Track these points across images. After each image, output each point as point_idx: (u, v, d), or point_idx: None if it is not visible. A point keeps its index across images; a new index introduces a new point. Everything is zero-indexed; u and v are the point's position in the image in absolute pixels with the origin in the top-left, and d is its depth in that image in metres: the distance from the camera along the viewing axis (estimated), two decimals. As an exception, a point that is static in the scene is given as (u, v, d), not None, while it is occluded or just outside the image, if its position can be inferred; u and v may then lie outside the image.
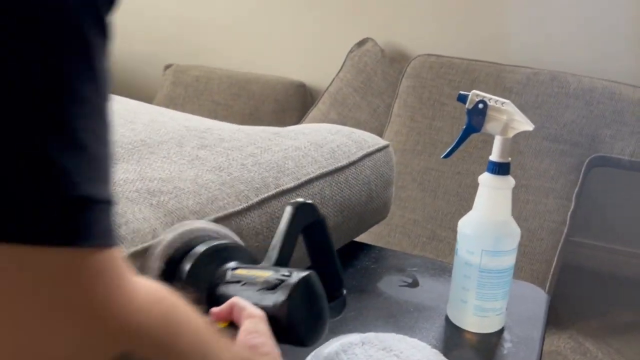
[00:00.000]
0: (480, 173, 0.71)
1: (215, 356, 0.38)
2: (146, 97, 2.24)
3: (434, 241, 1.61)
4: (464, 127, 0.70)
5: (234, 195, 0.69)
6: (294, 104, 1.99)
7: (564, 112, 1.48)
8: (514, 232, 0.71)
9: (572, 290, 1.63)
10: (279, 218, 0.72)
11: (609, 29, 1.60)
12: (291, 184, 0.76)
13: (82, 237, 0.28)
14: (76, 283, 0.29)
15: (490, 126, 0.68)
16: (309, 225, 0.60)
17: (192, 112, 2.07)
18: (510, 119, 0.67)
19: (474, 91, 0.69)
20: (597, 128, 1.47)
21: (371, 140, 0.95)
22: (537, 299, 0.84)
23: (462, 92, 0.69)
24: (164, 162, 0.74)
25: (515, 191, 0.70)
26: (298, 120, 1.94)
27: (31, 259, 0.27)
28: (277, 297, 0.48)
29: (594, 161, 1.48)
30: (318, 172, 0.81)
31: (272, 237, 0.71)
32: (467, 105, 0.69)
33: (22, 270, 0.27)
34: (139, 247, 0.57)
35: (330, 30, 1.97)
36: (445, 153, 0.71)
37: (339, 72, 1.88)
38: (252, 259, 0.59)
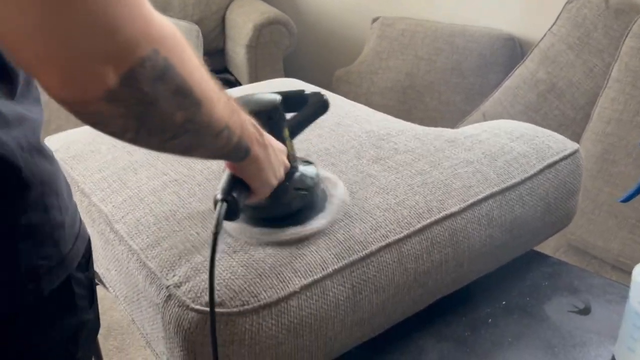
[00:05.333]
0: None
1: (213, 89, 0.47)
2: (354, 49, 2.32)
3: (644, 224, 1.46)
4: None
5: (396, 222, 0.74)
6: (500, 58, 1.89)
7: None
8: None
9: None
10: (440, 242, 0.76)
11: None
12: (456, 208, 0.77)
13: None
14: None
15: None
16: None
17: (396, 67, 2.09)
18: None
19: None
20: None
21: (556, 147, 0.90)
22: None
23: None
24: (340, 179, 0.81)
25: None
26: (503, 76, 1.85)
27: None
28: None
29: None
30: (487, 192, 0.80)
31: (432, 261, 0.75)
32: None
33: None
34: (309, 280, 0.66)
35: (547, -23, 1.79)
36: (624, 197, 0.66)
37: (552, 25, 1.72)
38: None
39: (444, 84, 1.97)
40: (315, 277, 0.67)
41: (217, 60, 2.53)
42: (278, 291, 0.65)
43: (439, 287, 0.78)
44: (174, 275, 0.67)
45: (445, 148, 0.88)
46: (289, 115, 0.73)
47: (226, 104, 0.50)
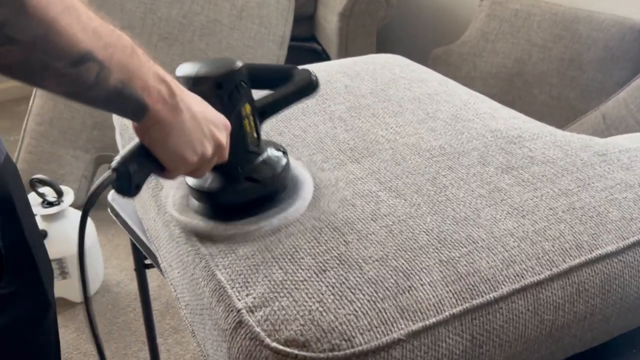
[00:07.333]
0: None
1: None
2: (457, 27, 2.11)
3: None
4: None
5: (535, 258, 0.57)
6: (629, 53, 1.64)
7: None
8: None
9: None
10: (588, 290, 0.58)
11: None
12: (612, 247, 0.59)
13: None
14: None
15: None
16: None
17: (504, 51, 1.87)
18: None
19: None
20: None
21: None
22: None
23: None
24: (460, 189, 0.65)
25: None
26: (631, 74, 1.60)
27: None
28: None
29: None
30: (654, 230, 0.62)
31: (575, 313, 0.58)
32: None
33: None
34: (418, 325, 0.51)
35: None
36: None
37: (703, 18, 1.46)
38: None
39: (558, 76, 1.74)
40: (427, 322, 0.51)
41: (304, 27, 2.37)
42: (378, 336, 0.50)
43: (573, 344, 0.61)
44: (247, 295, 0.54)
45: (595, 163, 0.69)
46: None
47: (94, 30, 0.42)
